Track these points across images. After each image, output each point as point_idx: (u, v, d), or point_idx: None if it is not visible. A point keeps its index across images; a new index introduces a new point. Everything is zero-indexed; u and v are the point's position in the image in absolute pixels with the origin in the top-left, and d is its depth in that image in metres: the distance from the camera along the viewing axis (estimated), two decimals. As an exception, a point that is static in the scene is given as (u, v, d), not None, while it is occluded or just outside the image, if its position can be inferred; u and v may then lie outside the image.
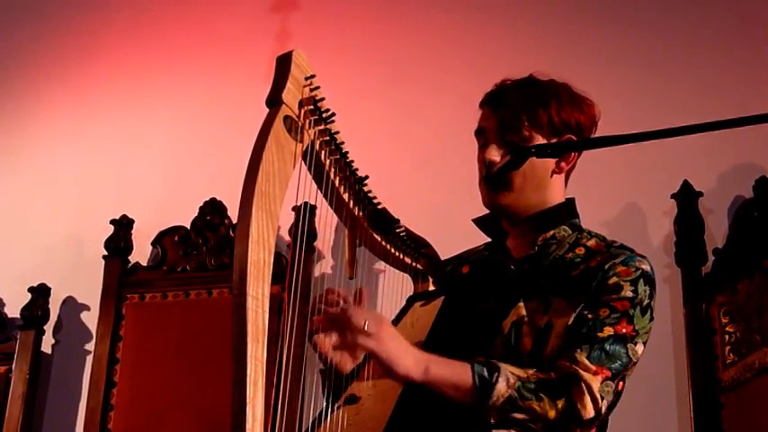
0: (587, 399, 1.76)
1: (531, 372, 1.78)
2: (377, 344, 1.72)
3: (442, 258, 2.18)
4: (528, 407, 1.74)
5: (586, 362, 1.79)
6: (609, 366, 1.80)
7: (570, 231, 2.03)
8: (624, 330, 1.84)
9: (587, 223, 2.10)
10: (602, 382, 1.78)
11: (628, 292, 1.88)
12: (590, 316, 1.86)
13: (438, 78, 3.80)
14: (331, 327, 1.78)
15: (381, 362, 1.74)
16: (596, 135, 2.09)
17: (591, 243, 2.01)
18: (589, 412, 1.76)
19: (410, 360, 1.75)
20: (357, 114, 3.46)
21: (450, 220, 2.94)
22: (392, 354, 1.73)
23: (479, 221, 2.13)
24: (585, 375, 1.77)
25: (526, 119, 2.00)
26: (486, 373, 1.75)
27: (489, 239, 2.15)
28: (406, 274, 2.16)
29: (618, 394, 1.83)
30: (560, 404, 1.75)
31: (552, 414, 1.75)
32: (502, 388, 1.74)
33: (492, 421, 1.75)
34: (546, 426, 1.75)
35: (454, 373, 1.76)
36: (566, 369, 1.79)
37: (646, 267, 1.93)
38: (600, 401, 1.77)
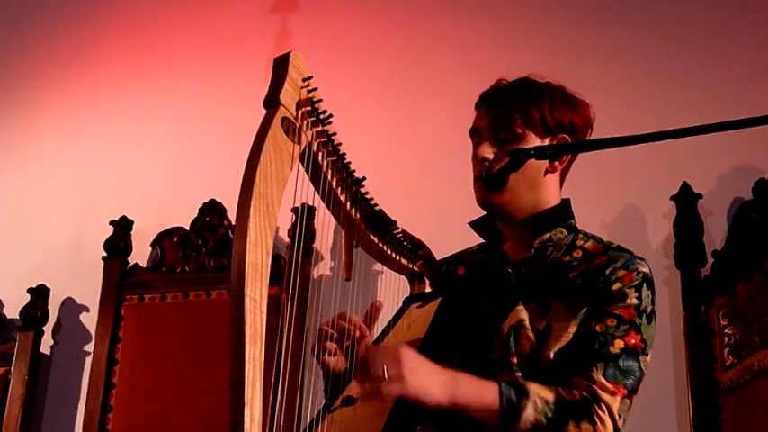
0: (608, 419, 1.79)
1: (556, 393, 1.80)
2: (402, 387, 1.71)
3: (437, 259, 2.19)
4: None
5: (603, 381, 1.82)
6: (624, 383, 1.83)
7: (566, 233, 2.04)
8: (633, 341, 1.86)
9: (587, 225, 2.10)
10: (620, 401, 1.82)
11: (633, 299, 1.89)
12: (598, 328, 1.87)
13: (436, 79, 3.80)
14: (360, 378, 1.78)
15: (410, 399, 1.74)
16: (595, 136, 2.09)
17: (588, 245, 2.01)
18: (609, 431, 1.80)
19: (437, 390, 1.75)
20: (356, 115, 3.46)
21: (448, 222, 2.93)
22: (418, 390, 1.73)
23: (475, 224, 2.13)
24: (605, 396, 1.80)
25: (519, 117, 2.00)
26: (514, 397, 1.77)
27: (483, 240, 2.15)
28: (402, 276, 2.16)
29: (630, 407, 1.86)
30: (584, 426, 1.78)
31: None
32: (530, 414, 1.76)
33: None
34: None
35: (481, 395, 1.78)
36: (585, 389, 1.81)
37: (646, 270, 1.94)
38: (618, 420, 1.81)
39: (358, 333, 1.97)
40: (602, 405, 1.79)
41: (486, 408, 1.77)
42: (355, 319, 1.98)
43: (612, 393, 1.81)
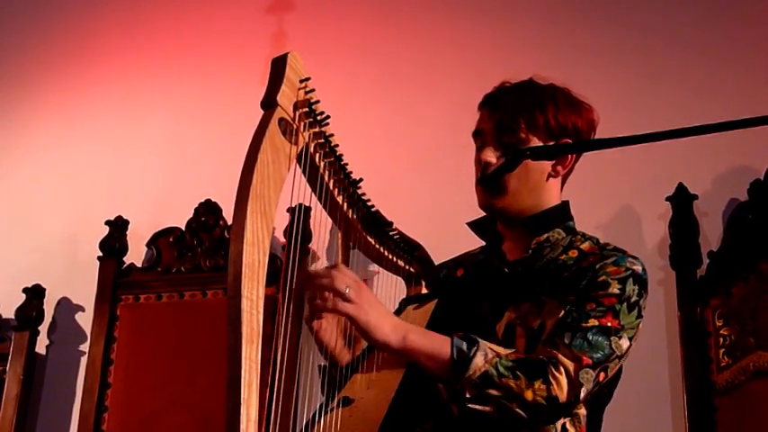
0: (564, 381, 1.75)
1: (510, 351, 1.79)
2: (356, 310, 1.73)
3: (437, 261, 2.19)
4: (504, 384, 1.74)
5: (567, 348, 1.79)
6: (590, 355, 1.80)
7: (564, 234, 2.04)
8: (609, 323, 1.84)
9: (582, 226, 2.10)
10: (581, 369, 1.78)
11: (615, 289, 1.88)
12: (575, 309, 1.86)
13: (433, 80, 3.81)
14: (315, 287, 1.78)
15: (360, 328, 1.76)
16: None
17: (584, 246, 2.01)
18: (565, 396, 1.75)
19: (388, 327, 1.76)
20: (352, 115, 3.46)
21: (446, 223, 2.94)
22: (371, 321, 1.74)
23: (473, 225, 2.13)
24: (565, 360, 1.77)
25: (523, 121, 2.00)
26: (464, 347, 1.75)
27: (484, 243, 2.15)
28: (399, 277, 2.16)
29: (598, 384, 1.82)
30: (537, 384, 1.74)
31: (529, 395, 1.74)
32: (479, 362, 1.74)
33: (467, 396, 1.75)
34: (524, 408, 1.74)
35: (433, 343, 1.77)
36: (546, 353, 1.80)
37: (637, 268, 1.93)
38: (578, 387, 1.77)
39: None
40: (560, 367, 1.76)
41: (435, 355, 1.76)
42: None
43: (574, 359, 1.77)
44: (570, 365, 1.77)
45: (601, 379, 1.82)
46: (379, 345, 1.77)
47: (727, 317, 3.09)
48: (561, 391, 1.75)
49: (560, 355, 1.78)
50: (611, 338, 1.83)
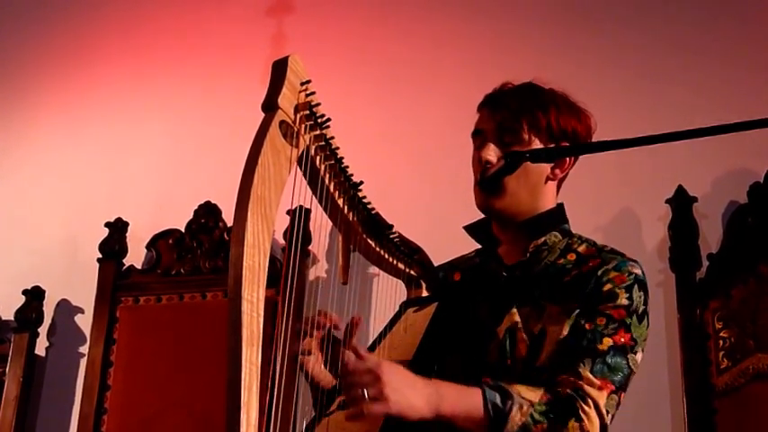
0: (594, 415, 1.78)
1: (540, 392, 1.79)
2: (384, 407, 1.69)
3: (436, 263, 2.19)
4: (540, 430, 1.76)
5: (590, 376, 1.81)
6: (612, 379, 1.82)
7: (561, 237, 2.04)
8: (623, 340, 1.86)
9: (581, 228, 2.10)
10: (607, 397, 1.81)
11: (623, 299, 1.89)
12: (588, 326, 1.87)
13: (433, 82, 3.80)
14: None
15: (394, 416, 1.73)
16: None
17: (582, 248, 2.02)
18: (596, 428, 1.79)
19: (421, 404, 1.73)
20: (352, 118, 3.45)
21: (445, 225, 2.93)
22: (403, 408, 1.71)
23: (470, 228, 2.13)
24: (591, 391, 1.80)
25: (525, 122, 2.01)
26: (499, 401, 1.76)
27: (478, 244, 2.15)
28: (399, 280, 2.16)
29: (619, 404, 1.85)
30: (570, 423, 1.77)
31: None
32: (516, 416, 1.75)
33: None
34: None
35: (466, 404, 1.76)
36: (571, 385, 1.81)
37: (638, 272, 1.94)
38: (606, 416, 1.80)
39: (329, 323, 1.95)
40: (588, 400, 1.78)
41: (471, 415, 1.75)
42: (331, 314, 1.97)
43: (599, 389, 1.80)
44: (598, 397, 1.80)
45: (622, 398, 1.85)
46: (416, 420, 1.74)
47: (727, 319, 3.09)
48: (593, 425, 1.78)
49: (586, 387, 1.80)
50: (629, 356, 1.86)
